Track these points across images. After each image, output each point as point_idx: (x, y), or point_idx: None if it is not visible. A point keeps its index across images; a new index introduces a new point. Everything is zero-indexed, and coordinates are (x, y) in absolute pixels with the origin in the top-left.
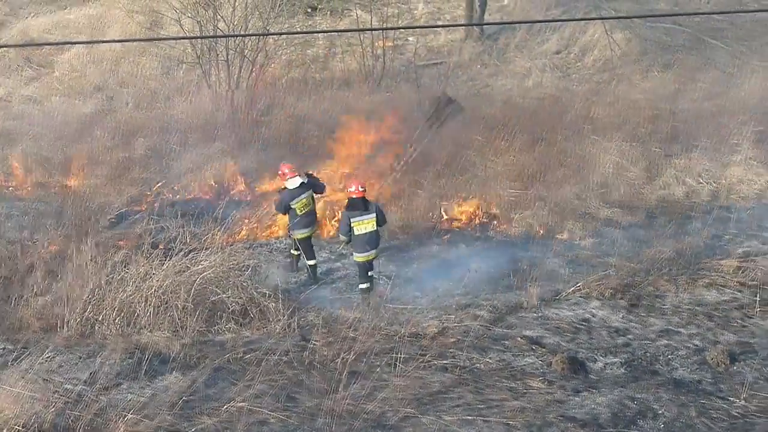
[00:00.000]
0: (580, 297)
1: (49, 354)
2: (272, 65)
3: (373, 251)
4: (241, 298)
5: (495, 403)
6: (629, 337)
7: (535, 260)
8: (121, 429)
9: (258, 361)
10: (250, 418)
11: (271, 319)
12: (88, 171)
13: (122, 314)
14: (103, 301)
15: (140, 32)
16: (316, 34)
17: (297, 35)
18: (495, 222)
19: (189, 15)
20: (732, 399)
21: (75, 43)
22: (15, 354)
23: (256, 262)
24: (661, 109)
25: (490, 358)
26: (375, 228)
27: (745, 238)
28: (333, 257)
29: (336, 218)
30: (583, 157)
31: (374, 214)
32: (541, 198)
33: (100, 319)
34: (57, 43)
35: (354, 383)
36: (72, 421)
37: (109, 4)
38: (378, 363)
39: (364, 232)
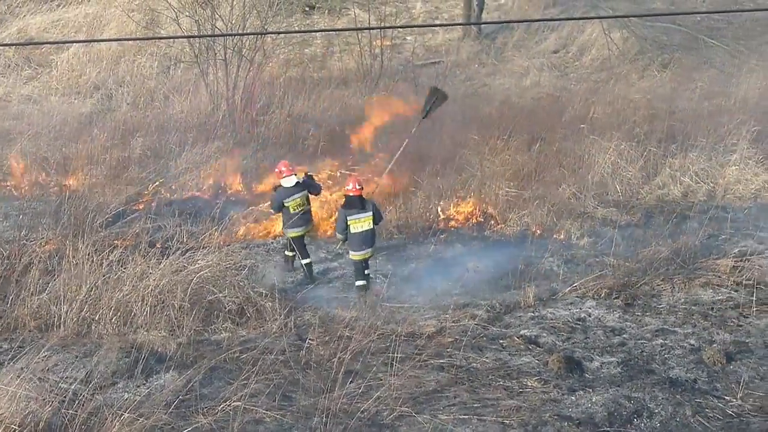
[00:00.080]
0: (577, 296)
1: (46, 353)
2: (270, 64)
3: (369, 249)
4: (237, 297)
5: (491, 402)
6: (625, 336)
7: (532, 260)
8: (117, 428)
9: (254, 361)
10: (246, 417)
11: (267, 319)
12: (86, 170)
13: (119, 313)
14: (100, 300)
15: (138, 31)
16: (314, 33)
17: (295, 34)
18: (492, 221)
19: (187, 14)
20: (728, 398)
21: (73, 42)
22: (11, 353)
23: (253, 261)
24: (659, 108)
25: (486, 357)
26: (372, 226)
27: (741, 237)
28: (330, 257)
29: (333, 217)
30: (580, 156)
31: (371, 213)
32: (539, 197)
33: (96, 318)
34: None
35: (350, 382)
36: (68, 420)
37: (106, 3)
38: (374, 362)
39: (360, 230)
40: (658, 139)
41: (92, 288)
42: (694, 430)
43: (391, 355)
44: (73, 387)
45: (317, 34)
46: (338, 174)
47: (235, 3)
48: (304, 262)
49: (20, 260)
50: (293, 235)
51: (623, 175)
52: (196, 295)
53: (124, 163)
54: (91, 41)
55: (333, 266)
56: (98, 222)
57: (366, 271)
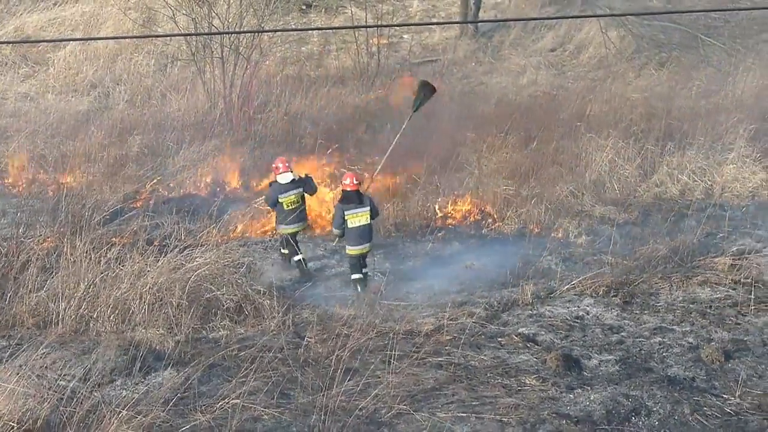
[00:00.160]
0: (575, 294)
1: (44, 350)
2: (267, 62)
3: (367, 244)
4: (235, 295)
5: (489, 399)
6: (623, 334)
7: (530, 258)
8: (115, 425)
9: (252, 358)
10: (244, 414)
11: (265, 317)
12: (84, 168)
13: (117, 311)
14: (98, 297)
15: (135, 29)
16: (310, 32)
17: (292, 32)
18: (489, 219)
19: (183, 12)
20: (726, 396)
21: (69, 40)
22: (9, 350)
23: (251, 259)
24: (656, 106)
25: (484, 355)
26: (369, 221)
27: (739, 235)
28: (327, 254)
29: (330, 213)
30: (577, 154)
31: (368, 208)
32: (536, 195)
33: (94, 315)
34: (51, 40)
35: (348, 380)
36: (66, 417)
37: (103, 1)
38: (372, 360)
39: (357, 225)
40: (656, 137)
41: (90, 285)
42: (693, 428)
43: (389, 352)
44: (71, 384)
45: (314, 32)
46: (336, 172)
47: (231, 1)
48: (295, 259)
49: (18, 257)
50: (286, 231)
51: (621, 173)
52: (194, 293)
53: (121, 160)
54: (88, 39)
55: (331, 263)
56: (96, 219)
57: (364, 270)
